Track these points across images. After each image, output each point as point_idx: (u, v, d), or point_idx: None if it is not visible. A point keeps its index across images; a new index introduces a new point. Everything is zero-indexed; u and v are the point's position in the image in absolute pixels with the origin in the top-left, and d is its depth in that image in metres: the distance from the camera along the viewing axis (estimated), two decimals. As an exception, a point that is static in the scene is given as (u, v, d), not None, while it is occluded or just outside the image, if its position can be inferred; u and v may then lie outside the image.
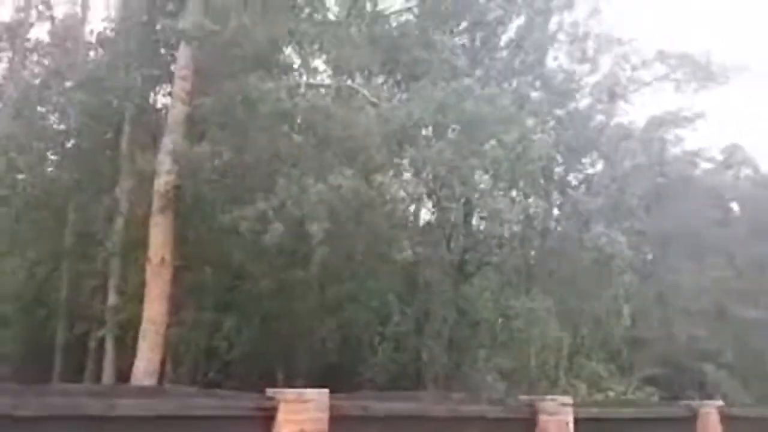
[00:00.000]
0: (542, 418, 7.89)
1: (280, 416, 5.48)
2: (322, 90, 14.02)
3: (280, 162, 12.53)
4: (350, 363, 15.28)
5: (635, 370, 18.93)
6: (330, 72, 15.56)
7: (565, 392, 11.89)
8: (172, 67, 14.99)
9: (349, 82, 14.29)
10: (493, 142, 12.71)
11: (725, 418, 9.71)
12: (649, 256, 22.83)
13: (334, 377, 14.14)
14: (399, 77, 15.98)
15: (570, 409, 8.01)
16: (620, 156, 21.34)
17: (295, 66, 15.66)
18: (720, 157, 31.77)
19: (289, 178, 11.77)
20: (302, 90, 13.48)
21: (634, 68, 22.78)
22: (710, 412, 9.73)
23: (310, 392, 5.69)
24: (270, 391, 5.68)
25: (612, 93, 21.24)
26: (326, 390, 5.77)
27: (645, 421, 9.11)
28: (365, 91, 13.49)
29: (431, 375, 15.74)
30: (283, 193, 11.60)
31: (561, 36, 17.79)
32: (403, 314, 14.56)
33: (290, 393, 5.60)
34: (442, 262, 15.08)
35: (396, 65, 15.51)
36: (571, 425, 7.97)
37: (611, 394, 15.27)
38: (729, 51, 47.07)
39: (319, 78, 15.46)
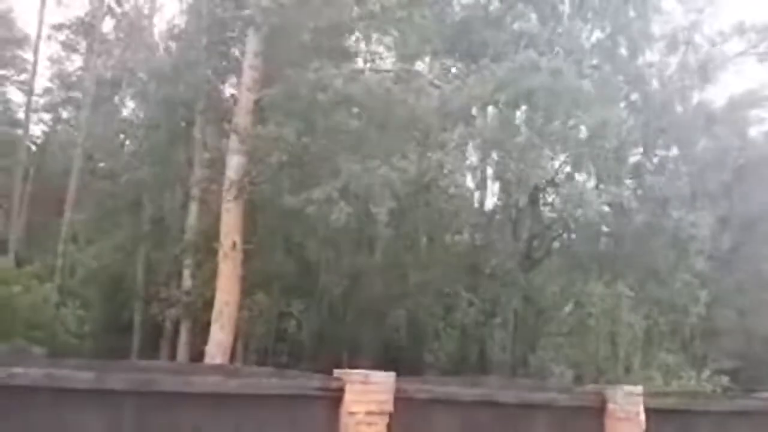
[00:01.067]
0: (611, 407, 7.71)
1: (348, 396, 5.60)
2: (384, 74, 14.02)
3: (343, 146, 12.64)
4: (416, 349, 15.36)
5: (708, 361, 18.12)
6: (394, 55, 15.53)
7: (636, 382, 11.50)
8: (241, 57, 15.39)
9: (412, 65, 14.22)
10: (570, 121, 12.38)
11: (810, 413, 9.18)
12: (727, 244, 21.65)
13: (399, 362, 14.25)
14: (465, 58, 15.75)
15: (640, 399, 7.79)
16: (699, 138, 20.36)
17: (359, 51, 15.74)
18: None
19: (353, 161, 11.86)
20: (365, 75, 13.53)
21: (713, 43, 21.65)
22: (789, 407, 9.22)
23: (377, 374, 5.78)
24: (338, 372, 5.83)
25: (704, 73, 20.29)
26: (392, 372, 5.85)
27: (721, 414, 8.74)
28: (427, 74, 13.38)
29: (497, 363, 15.60)
30: (347, 175, 11.72)
31: (633, 13, 17.01)
32: (469, 302, 14.46)
33: (357, 374, 5.72)
34: (507, 248, 14.85)
35: (462, 46, 15.30)
36: (642, 415, 7.75)
37: (680, 384, 14.71)
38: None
39: (384, 61, 15.46)
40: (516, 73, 12.49)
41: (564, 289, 15.54)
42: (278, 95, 13.13)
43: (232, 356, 13.93)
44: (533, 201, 15.08)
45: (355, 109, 12.75)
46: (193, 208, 16.61)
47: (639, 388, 8.02)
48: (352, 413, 5.55)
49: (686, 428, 8.22)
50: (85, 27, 25.79)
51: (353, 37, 15.50)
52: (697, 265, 14.35)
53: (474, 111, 13.30)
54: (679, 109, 19.08)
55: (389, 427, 5.69)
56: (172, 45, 18.98)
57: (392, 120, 12.61)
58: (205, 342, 13.24)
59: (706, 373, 16.02)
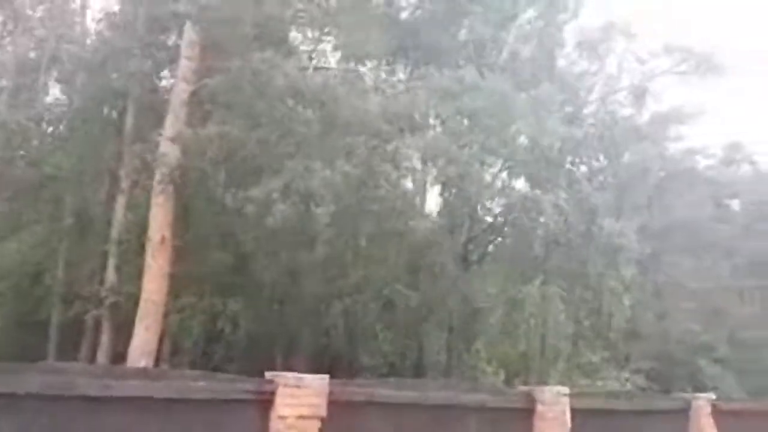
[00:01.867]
0: (540, 408, 7.92)
1: (279, 400, 5.47)
2: (329, 73, 13.89)
3: (287, 143, 12.41)
4: (353, 350, 15.26)
5: (629, 361, 19.00)
6: (339, 56, 15.43)
7: (562, 382, 11.90)
8: (177, 46, 14.90)
9: (357, 66, 14.17)
10: (508, 132, 12.72)
11: (717, 411, 9.79)
12: (647, 251, 22.86)
13: (336, 363, 14.13)
14: (409, 64, 15.87)
15: (567, 399, 8.04)
16: (623, 151, 21.30)
17: (303, 48, 15.54)
18: (720, 154, 31.73)
19: (295, 160, 11.66)
20: (310, 71, 13.36)
21: (641, 61, 22.74)
22: (703, 405, 9.80)
23: (310, 377, 5.68)
24: (269, 375, 5.68)
25: (640, 91, 21.27)
26: (326, 375, 5.77)
27: (640, 413, 9.16)
28: (370, 77, 13.37)
29: (433, 364, 15.76)
30: (289, 174, 11.50)
31: (568, 32, 17.79)
32: (407, 302, 14.52)
33: (290, 377, 5.59)
34: (446, 250, 15.03)
35: (406, 52, 15.39)
36: (568, 415, 8.01)
37: (601, 383, 15.36)
38: (733, 44, 46.86)
39: (327, 61, 15.32)
40: (458, 86, 12.69)
41: (499, 291, 15.89)
42: (219, 86, 12.74)
43: (158, 358, 13.41)
44: (472, 205, 15.33)
45: (300, 107, 12.53)
46: (121, 201, 15.87)
47: (566, 389, 8.30)
48: (282, 417, 5.43)
49: (608, 427, 8.58)
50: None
51: (298, 35, 15.30)
52: (625, 272, 15.02)
53: (418, 117, 13.42)
54: (607, 122, 19.91)
55: (321, 431, 5.61)
56: (106, 32, 18.12)
57: (337, 120, 12.49)
58: (128, 343, 12.68)
59: (626, 373, 16.80)
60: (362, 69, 14.16)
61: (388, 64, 16.03)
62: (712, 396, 10.39)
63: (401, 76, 15.84)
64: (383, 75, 15.05)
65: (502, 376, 15.79)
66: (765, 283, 24.29)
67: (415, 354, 15.73)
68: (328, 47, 15.40)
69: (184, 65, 13.83)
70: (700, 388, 14.11)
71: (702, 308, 21.54)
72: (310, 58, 14.95)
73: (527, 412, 7.86)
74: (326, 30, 14.14)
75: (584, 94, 20.21)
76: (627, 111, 22.83)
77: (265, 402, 5.48)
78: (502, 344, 15.86)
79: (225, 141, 12.11)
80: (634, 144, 21.01)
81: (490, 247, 16.97)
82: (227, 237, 14.05)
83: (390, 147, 12.50)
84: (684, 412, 9.87)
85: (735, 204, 31.78)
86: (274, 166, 11.90)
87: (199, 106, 13.49)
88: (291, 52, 14.55)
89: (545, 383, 12.10)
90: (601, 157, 20.55)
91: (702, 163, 29.77)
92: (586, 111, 18.72)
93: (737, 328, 21.95)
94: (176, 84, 14.27)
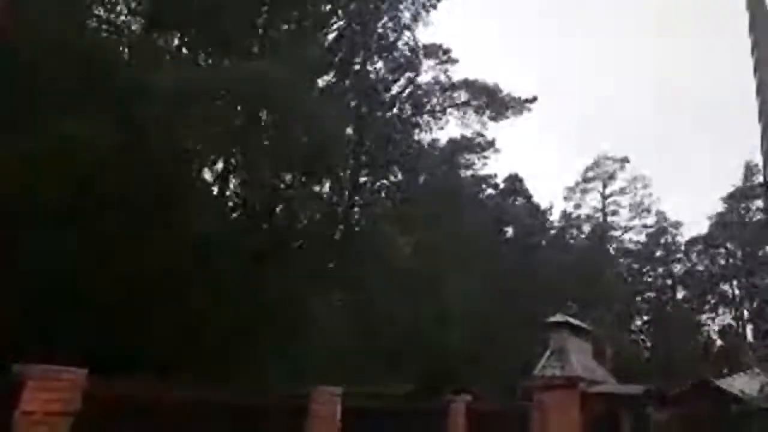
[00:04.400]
0: (314, 407, 8.21)
1: (27, 394, 4.98)
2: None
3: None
4: (130, 344, 14.15)
5: (404, 366, 20.36)
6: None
7: (339, 383, 12.40)
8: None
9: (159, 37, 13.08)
10: (301, 134, 12.62)
11: (470, 411, 11.02)
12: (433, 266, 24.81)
13: (110, 359, 12.97)
14: (212, 43, 14.98)
15: (338, 400, 8.44)
16: (422, 170, 22.95)
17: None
18: (502, 185, 36.01)
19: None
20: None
21: (444, 89, 24.80)
22: (459, 406, 10.96)
23: (64, 370, 5.25)
24: (16, 368, 5.14)
25: (417, 104, 22.68)
26: (83, 369, 5.37)
27: (404, 414, 9.96)
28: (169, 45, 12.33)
29: (217, 361, 15.28)
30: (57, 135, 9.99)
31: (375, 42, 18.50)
32: (193, 295, 13.88)
33: (39, 369, 5.11)
34: (239, 247, 14.73)
35: (211, 30, 14.53)
36: (339, 414, 8.40)
37: (374, 387, 16.28)
38: (522, 84, 53.24)
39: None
40: (248, 74, 12.09)
41: (289, 294, 16.00)
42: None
43: None
44: (268, 205, 15.24)
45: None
46: None
47: (338, 390, 8.70)
48: (27, 413, 4.94)
49: (375, 426, 9.16)
50: None
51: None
52: (400, 284, 15.98)
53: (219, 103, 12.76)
54: (405, 139, 21.19)
55: (75, 428, 5.21)
56: None
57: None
58: None
59: (400, 378, 18.00)
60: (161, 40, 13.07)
61: (180, 37, 14.92)
62: (468, 398, 11.62)
63: (201, 55, 14.86)
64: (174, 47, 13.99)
65: (286, 379, 15.92)
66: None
67: (198, 352, 15.16)
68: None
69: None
70: (461, 391, 15.66)
71: (467, 317, 23.79)
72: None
73: (301, 411, 8.08)
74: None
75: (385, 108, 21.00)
76: (422, 135, 24.45)
77: (8, 397, 4.94)
78: (290, 345, 16.02)
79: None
80: (430, 165, 22.74)
81: (290, 248, 17.06)
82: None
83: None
84: (443, 412, 10.90)
85: (510, 230, 36.23)
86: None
87: None
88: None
89: (324, 384, 12.47)
90: (399, 173, 21.93)
91: (487, 192, 33.52)
92: (383, 121, 19.44)
93: (495, 333, 24.92)
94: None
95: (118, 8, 13.52)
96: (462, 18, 53.93)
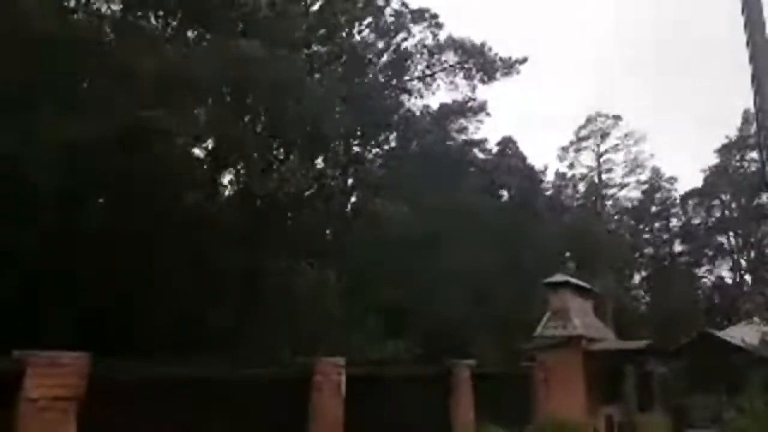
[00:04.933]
0: (317, 378, 8.25)
1: (29, 381, 4.97)
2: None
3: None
4: (126, 327, 14.19)
5: (405, 332, 20.53)
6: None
7: (344, 352, 12.50)
8: None
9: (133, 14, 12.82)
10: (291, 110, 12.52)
11: (474, 375, 11.12)
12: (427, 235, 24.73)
13: (107, 342, 13.00)
14: (201, 24, 14.77)
15: (342, 369, 8.49)
16: (413, 138, 22.79)
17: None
18: (496, 148, 35.79)
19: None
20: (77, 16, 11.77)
21: (431, 53, 24.41)
22: (463, 371, 11.06)
23: (66, 355, 5.23)
24: (17, 354, 5.12)
25: (406, 69, 22.32)
26: (86, 353, 5.36)
27: (408, 380, 10.04)
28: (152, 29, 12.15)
29: (216, 340, 15.36)
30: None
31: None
32: (188, 276, 13.88)
33: (42, 355, 5.09)
34: (232, 225, 14.68)
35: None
36: (343, 384, 8.46)
37: (382, 351, 16.39)
38: (515, 44, 52.59)
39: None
40: (240, 53, 11.98)
41: (286, 271, 16.02)
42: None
43: None
44: (261, 180, 15.13)
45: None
46: None
47: (341, 360, 8.74)
48: (32, 400, 4.94)
49: (379, 392, 9.24)
50: None
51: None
52: (397, 252, 16.00)
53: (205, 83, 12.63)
54: (397, 107, 20.99)
55: (80, 414, 5.22)
56: None
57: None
58: None
59: (404, 344, 18.15)
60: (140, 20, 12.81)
61: (170, 20, 14.67)
62: (472, 362, 11.72)
63: (191, 36, 14.66)
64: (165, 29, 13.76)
65: (287, 351, 16.04)
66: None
67: (199, 329, 15.24)
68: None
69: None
70: (465, 356, 15.82)
71: (467, 284, 23.89)
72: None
73: (306, 382, 8.12)
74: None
75: (375, 76, 20.78)
76: (414, 101, 24.24)
77: (11, 383, 4.93)
78: (288, 321, 16.10)
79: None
80: (422, 131, 22.54)
81: (284, 224, 17.00)
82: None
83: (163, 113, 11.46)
84: (447, 376, 11.00)
85: (506, 193, 36.16)
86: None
87: None
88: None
89: (327, 354, 12.58)
90: (394, 142, 21.77)
91: (480, 156, 33.27)
92: (372, 88, 19.21)
93: (496, 298, 25.05)
94: None
95: None
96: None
